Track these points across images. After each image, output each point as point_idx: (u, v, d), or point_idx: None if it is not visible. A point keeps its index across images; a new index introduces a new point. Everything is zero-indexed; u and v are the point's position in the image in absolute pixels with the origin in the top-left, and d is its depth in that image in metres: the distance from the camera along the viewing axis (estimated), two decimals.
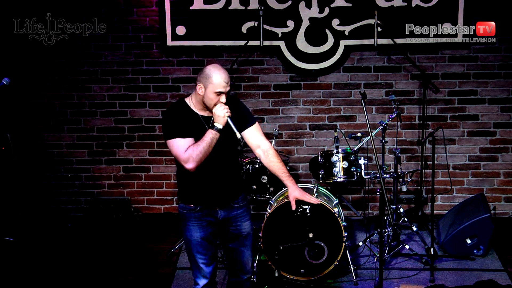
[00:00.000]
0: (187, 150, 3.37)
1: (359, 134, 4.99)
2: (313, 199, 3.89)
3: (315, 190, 4.68)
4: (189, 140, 3.40)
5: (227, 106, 3.38)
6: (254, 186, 4.98)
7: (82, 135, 5.99)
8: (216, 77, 3.35)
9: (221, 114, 3.36)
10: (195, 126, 3.42)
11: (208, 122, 3.44)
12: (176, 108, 3.50)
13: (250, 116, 3.62)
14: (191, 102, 3.49)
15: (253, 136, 3.59)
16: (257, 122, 3.62)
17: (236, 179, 3.62)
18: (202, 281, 3.60)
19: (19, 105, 5.91)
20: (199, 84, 3.40)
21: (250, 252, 3.69)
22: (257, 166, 4.98)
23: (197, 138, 3.39)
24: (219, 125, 3.37)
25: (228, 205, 3.56)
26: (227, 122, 3.40)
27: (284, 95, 5.87)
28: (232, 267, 3.77)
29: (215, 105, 3.39)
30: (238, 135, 3.36)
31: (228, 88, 3.38)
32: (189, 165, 3.37)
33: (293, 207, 3.78)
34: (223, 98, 3.38)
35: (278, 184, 4.87)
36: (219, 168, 3.49)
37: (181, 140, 3.39)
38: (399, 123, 5.42)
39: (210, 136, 3.36)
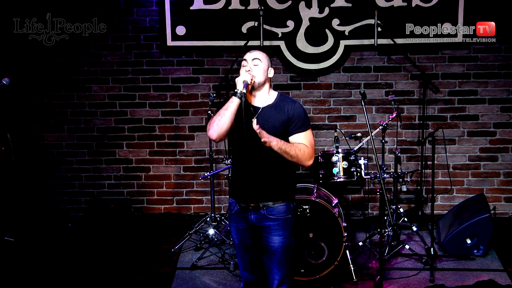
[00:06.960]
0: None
1: (359, 134, 4.97)
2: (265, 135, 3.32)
3: (315, 190, 4.68)
4: None
5: (248, 72, 3.34)
6: None
7: (82, 135, 5.99)
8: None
9: (239, 78, 3.31)
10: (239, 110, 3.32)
11: (247, 108, 3.30)
12: None
13: (304, 122, 3.42)
14: None
15: (297, 141, 3.41)
16: (309, 130, 3.44)
17: (278, 183, 3.43)
18: (241, 284, 3.64)
19: (19, 105, 5.91)
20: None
21: (277, 270, 3.46)
22: None
23: (236, 120, 3.33)
24: (237, 90, 3.29)
25: (259, 208, 3.41)
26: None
27: None
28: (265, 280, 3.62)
29: None
30: (241, 87, 3.26)
31: (253, 56, 3.38)
32: (209, 131, 3.36)
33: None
34: (246, 67, 3.37)
35: None
36: (260, 163, 3.37)
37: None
38: (399, 123, 5.43)
39: (230, 100, 3.31)
